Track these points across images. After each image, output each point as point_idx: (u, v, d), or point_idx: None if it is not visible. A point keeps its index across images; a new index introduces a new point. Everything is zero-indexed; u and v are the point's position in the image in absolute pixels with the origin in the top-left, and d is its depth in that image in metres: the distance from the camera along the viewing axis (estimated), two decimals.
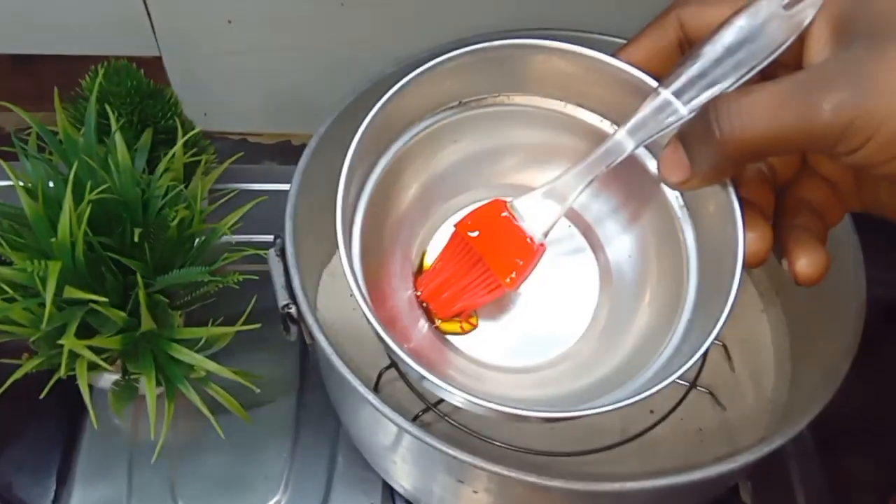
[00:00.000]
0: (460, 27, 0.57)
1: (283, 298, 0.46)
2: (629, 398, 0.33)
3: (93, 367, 0.48)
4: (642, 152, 0.40)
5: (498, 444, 0.50)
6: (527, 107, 0.42)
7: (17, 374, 0.49)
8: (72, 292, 0.46)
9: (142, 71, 0.56)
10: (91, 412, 0.50)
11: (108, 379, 0.54)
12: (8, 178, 0.50)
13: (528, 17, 0.58)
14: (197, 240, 0.54)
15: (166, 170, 0.53)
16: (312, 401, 0.60)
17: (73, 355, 0.48)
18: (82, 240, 0.47)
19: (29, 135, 0.53)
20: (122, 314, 0.48)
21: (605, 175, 0.37)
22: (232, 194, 0.57)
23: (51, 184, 0.51)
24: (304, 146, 0.52)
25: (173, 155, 0.53)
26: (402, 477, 0.53)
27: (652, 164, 0.41)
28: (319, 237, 0.58)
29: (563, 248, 0.45)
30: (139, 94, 0.55)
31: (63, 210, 0.46)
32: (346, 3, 0.58)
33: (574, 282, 0.45)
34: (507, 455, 0.50)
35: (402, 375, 0.54)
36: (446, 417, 0.52)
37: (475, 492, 0.46)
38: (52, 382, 0.49)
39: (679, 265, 0.40)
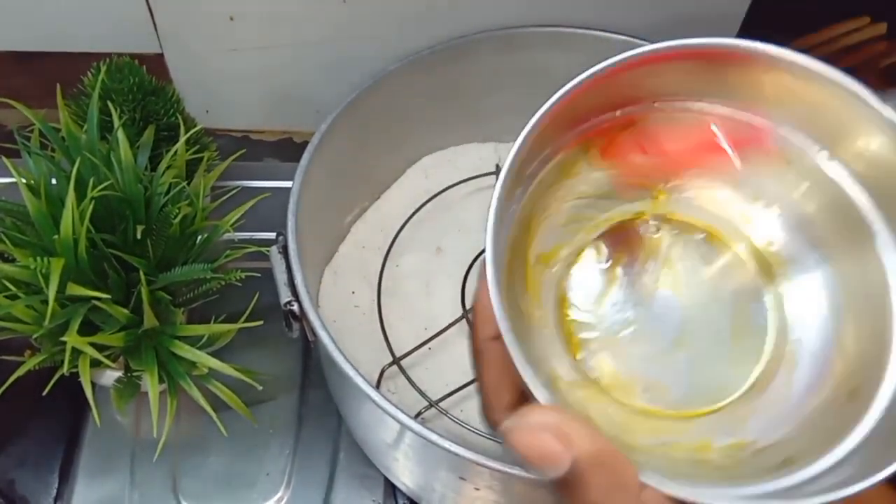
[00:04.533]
0: (462, 24, 0.57)
1: (285, 295, 0.46)
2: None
3: (95, 363, 0.48)
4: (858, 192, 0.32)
5: (500, 441, 0.50)
6: (727, 119, 0.34)
7: (20, 371, 0.49)
8: (74, 289, 0.46)
9: (144, 68, 0.56)
10: (93, 409, 0.50)
11: (110, 376, 0.54)
12: (11, 175, 0.50)
13: (531, 14, 0.58)
14: (199, 237, 0.54)
15: (168, 167, 0.53)
16: (314, 398, 0.60)
17: (76, 352, 0.48)
18: (85, 237, 0.47)
19: (31, 132, 0.53)
20: (125, 311, 0.48)
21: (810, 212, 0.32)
22: (234, 191, 0.57)
23: (53, 181, 0.51)
24: (306, 143, 0.52)
25: (175, 152, 0.53)
26: (404, 474, 0.53)
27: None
28: (322, 234, 0.58)
29: (735, 285, 0.35)
30: (141, 91, 0.55)
31: (66, 207, 0.46)
32: (347, 0, 0.58)
33: (743, 329, 0.34)
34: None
35: (404, 372, 0.54)
36: (448, 414, 0.52)
37: (477, 489, 0.46)
38: (54, 379, 0.49)
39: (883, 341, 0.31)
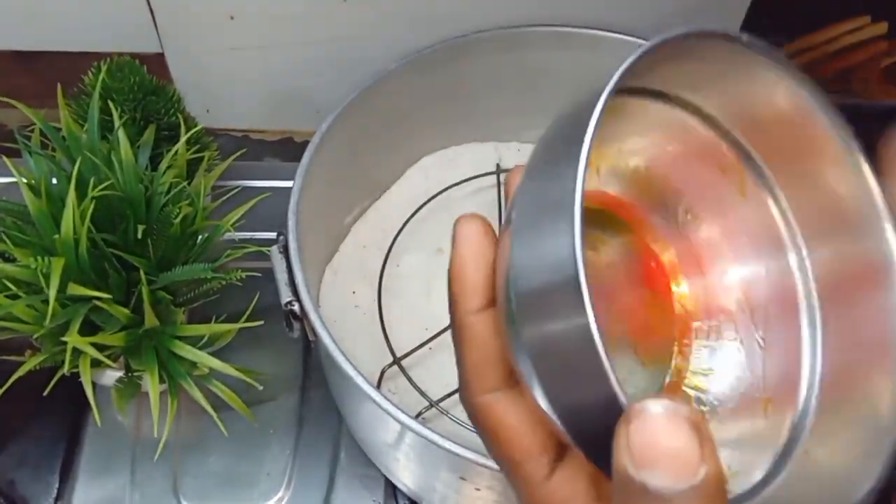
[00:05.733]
0: (462, 24, 0.57)
1: (285, 295, 0.46)
2: None
3: (96, 363, 0.48)
4: None
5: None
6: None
7: (21, 371, 0.49)
8: (75, 289, 0.46)
9: (144, 67, 0.56)
10: (94, 409, 0.50)
11: (111, 376, 0.54)
12: (11, 175, 0.50)
13: (531, 14, 0.58)
14: (200, 237, 0.54)
15: (169, 166, 0.53)
16: (315, 398, 0.60)
17: (77, 352, 0.48)
18: (85, 236, 0.47)
19: (32, 131, 0.53)
20: (126, 311, 0.48)
21: None
22: (235, 191, 0.57)
23: (54, 180, 0.51)
24: (306, 143, 0.52)
25: (176, 151, 0.53)
26: (405, 474, 0.53)
27: None
28: (322, 234, 0.58)
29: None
30: (142, 91, 0.55)
31: (66, 207, 0.46)
32: (348, 0, 0.58)
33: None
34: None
35: (404, 372, 0.54)
36: (449, 414, 0.52)
37: (477, 489, 0.46)
38: (55, 379, 0.49)
39: None
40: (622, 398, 0.19)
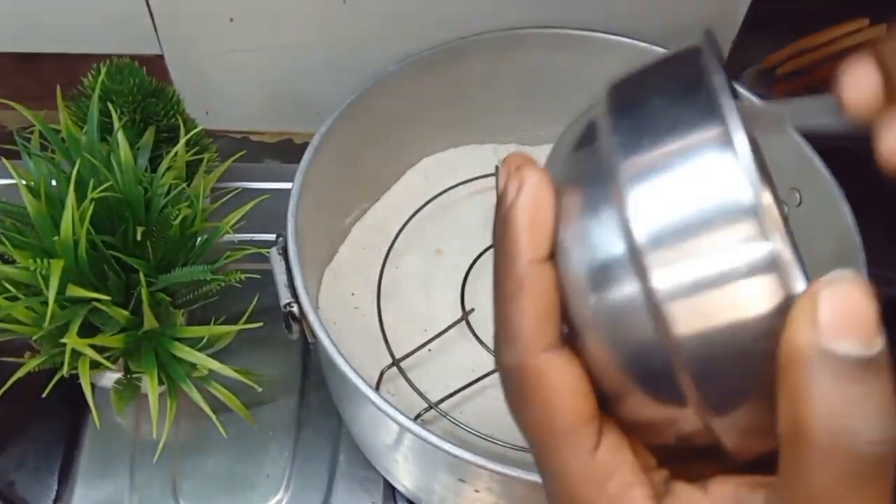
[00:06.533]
0: (462, 25, 0.57)
1: (285, 297, 0.46)
2: None
3: (95, 365, 0.48)
4: None
5: (500, 443, 0.50)
6: None
7: (20, 373, 0.49)
8: (74, 291, 0.46)
9: (144, 69, 0.56)
10: (93, 411, 0.50)
11: (110, 377, 0.54)
12: (11, 177, 0.50)
13: (531, 15, 0.58)
14: (199, 238, 0.54)
15: (168, 168, 0.53)
16: (314, 399, 0.60)
17: (76, 354, 0.48)
18: (85, 238, 0.47)
19: (31, 133, 0.53)
20: (125, 313, 0.48)
21: None
22: (234, 193, 0.57)
23: (53, 182, 0.51)
24: (306, 145, 0.52)
25: (175, 153, 0.53)
26: (404, 476, 0.53)
27: None
28: (321, 236, 0.58)
29: None
30: (141, 93, 0.55)
31: (66, 208, 0.46)
32: (348, 1, 0.58)
33: None
34: (509, 454, 0.50)
35: (403, 374, 0.54)
36: (448, 416, 0.52)
37: (477, 491, 0.46)
38: (54, 381, 0.49)
39: None
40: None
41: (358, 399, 0.45)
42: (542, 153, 0.26)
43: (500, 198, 0.23)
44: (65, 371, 0.48)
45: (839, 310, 0.18)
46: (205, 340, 0.52)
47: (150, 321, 0.48)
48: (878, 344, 0.18)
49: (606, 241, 0.21)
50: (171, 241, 0.51)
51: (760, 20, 0.60)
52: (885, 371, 0.19)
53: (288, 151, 0.71)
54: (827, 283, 0.19)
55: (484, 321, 0.56)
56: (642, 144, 0.21)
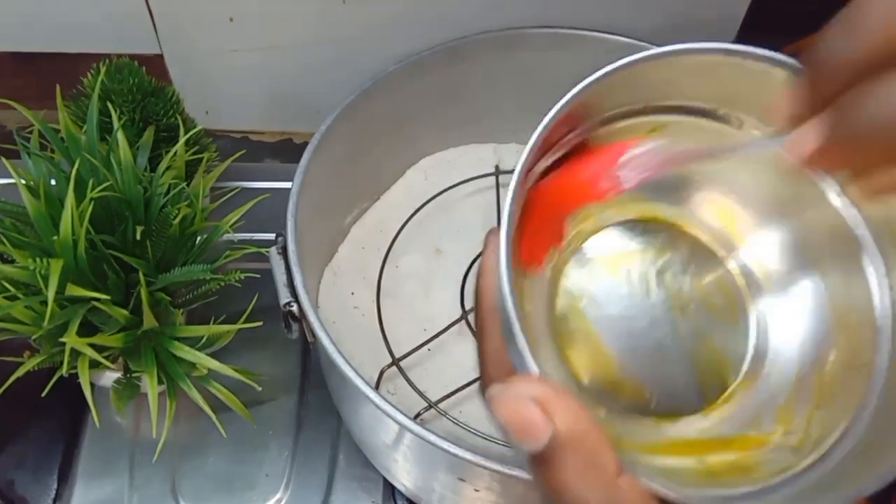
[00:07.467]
0: (462, 25, 0.57)
1: (284, 296, 0.46)
2: None
3: (94, 364, 0.48)
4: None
5: (500, 442, 0.50)
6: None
7: (19, 372, 0.49)
8: (74, 290, 0.46)
9: (143, 69, 0.56)
10: (93, 410, 0.50)
11: (109, 377, 0.54)
12: (10, 176, 0.50)
13: (531, 14, 0.58)
14: (199, 238, 0.54)
15: (168, 168, 0.53)
16: (314, 399, 0.60)
17: (75, 353, 0.48)
18: (84, 238, 0.47)
19: (31, 132, 0.53)
20: (124, 312, 0.48)
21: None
22: (233, 192, 0.57)
23: (53, 182, 0.51)
24: (305, 144, 0.52)
25: (175, 153, 0.53)
26: (404, 475, 0.53)
27: None
28: (321, 235, 0.58)
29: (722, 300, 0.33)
30: (141, 92, 0.55)
31: (65, 208, 0.46)
32: (347, 1, 0.58)
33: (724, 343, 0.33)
34: (509, 453, 0.50)
35: (403, 373, 0.54)
36: (447, 415, 0.52)
37: (476, 490, 0.46)
38: (53, 380, 0.49)
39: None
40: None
41: (357, 398, 0.45)
42: None
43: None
44: (64, 370, 0.48)
45: (510, 413, 0.24)
46: (204, 340, 0.52)
47: (149, 320, 0.48)
48: (540, 441, 0.23)
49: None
50: (171, 241, 0.51)
51: (760, 20, 0.60)
52: None
53: (287, 151, 0.71)
54: (496, 392, 0.24)
55: None
56: None
